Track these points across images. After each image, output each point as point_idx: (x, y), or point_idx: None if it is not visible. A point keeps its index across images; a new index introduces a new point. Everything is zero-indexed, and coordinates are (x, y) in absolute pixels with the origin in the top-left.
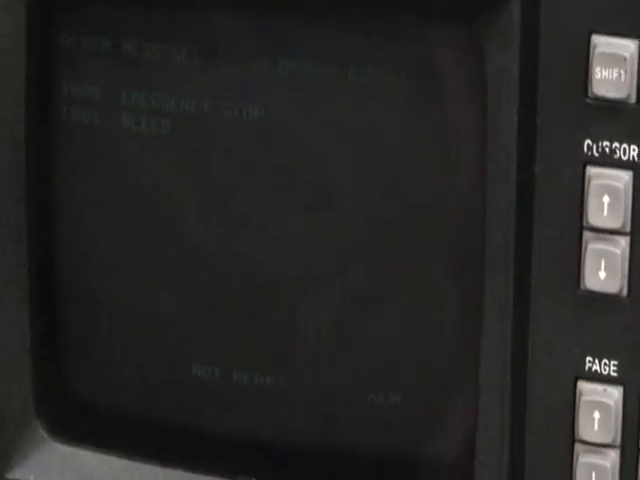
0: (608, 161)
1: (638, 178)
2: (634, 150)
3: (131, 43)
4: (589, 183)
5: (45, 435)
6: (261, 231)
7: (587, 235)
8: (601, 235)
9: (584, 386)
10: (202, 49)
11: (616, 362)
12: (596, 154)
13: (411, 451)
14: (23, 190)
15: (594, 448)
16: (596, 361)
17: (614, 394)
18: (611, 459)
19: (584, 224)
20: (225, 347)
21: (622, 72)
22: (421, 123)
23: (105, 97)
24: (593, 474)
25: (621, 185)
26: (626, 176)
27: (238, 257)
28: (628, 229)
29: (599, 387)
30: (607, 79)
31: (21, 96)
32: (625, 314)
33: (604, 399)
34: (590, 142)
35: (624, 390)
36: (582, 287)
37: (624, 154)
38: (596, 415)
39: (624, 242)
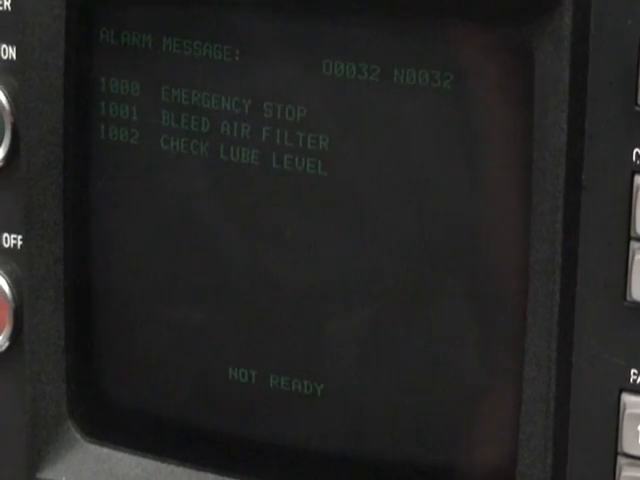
0: None
1: None
2: None
3: (172, 40)
4: (637, 192)
5: (78, 436)
6: (296, 244)
7: (634, 245)
8: None
9: (628, 398)
10: (244, 47)
11: None
12: None
13: (450, 463)
14: (60, 189)
15: (638, 462)
16: None
17: None
18: None
19: (632, 234)
20: (262, 351)
21: None
22: (464, 129)
23: (144, 93)
24: None
25: None
26: None
27: (273, 269)
28: None
29: None
30: None
31: (59, 91)
32: None
33: None
34: (639, 151)
35: None
36: (629, 298)
37: None
38: None
39: None
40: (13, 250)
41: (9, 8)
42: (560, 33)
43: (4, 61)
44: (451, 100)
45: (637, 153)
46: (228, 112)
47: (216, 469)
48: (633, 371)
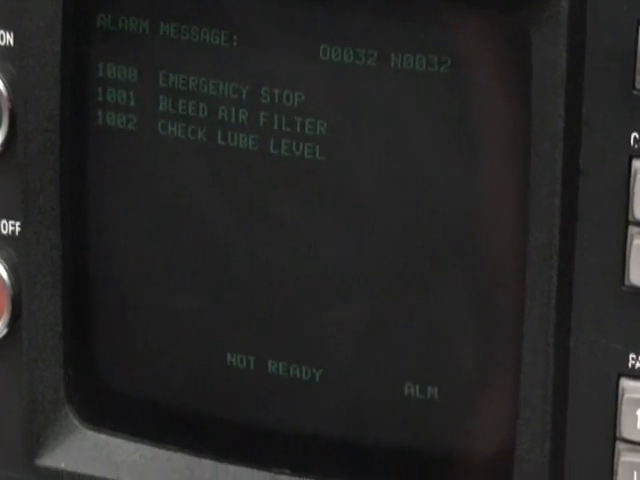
0: None
1: None
2: None
3: (169, 25)
4: (635, 177)
5: (76, 422)
6: (294, 230)
7: (632, 230)
8: None
9: (627, 383)
10: (242, 32)
11: None
12: None
13: (448, 448)
14: (57, 175)
15: (636, 447)
16: (639, 358)
17: None
18: None
19: (629, 218)
20: (260, 337)
21: None
22: (461, 114)
23: (142, 79)
24: (635, 473)
25: None
26: None
27: (271, 255)
28: None
29: None
30: None
31: (56, 77)
32: None
33: None
34: (637, 135)
35: None
36: (627, 283)
37: None
38: (639, 413)
39: None
40: (11, 236)
41: None
42: (557, 18)
43: (1, 47)
44: (448, 85)
45: (635, 137)
46: (226, 97)
47: (214, 455)
48: (631, 356)
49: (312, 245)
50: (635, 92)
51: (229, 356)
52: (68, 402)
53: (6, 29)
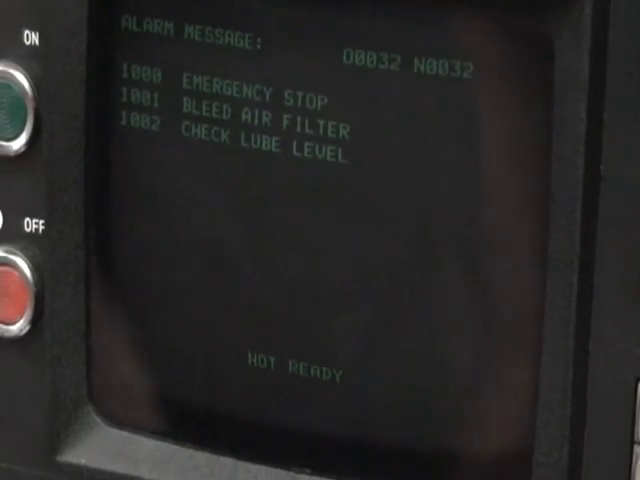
0: None
1: None
2: None
3: (194, 27)
4: None
5: (97, 419)
6: (313, 232)
7: None
8: None
9: None
10: (266, 35)
11: None
12: None
13: (466, 449)
14: (82, 174)
15: None
16: None
17: None
18: None
19: None
20: (281, 337)
21: None
22: (483, 119)
23: (166, 80)
24: None
25: None
26: None
27: (291, 260)
28: None
29: None
30: None
31: (82, 76)
32: None
33: None
34: None
35: None
36: None
37: None
38: None
39: None
40: (35, 235)
41: None
42: (580, 24)
43: (27, 47)
44: (470, 90)
45: None
46: (249, 100)
47: (234, 453)
48: None
49: (331, 248)
50: None
51: (250, 356)
52: (90, 400)
53: (32, 29)
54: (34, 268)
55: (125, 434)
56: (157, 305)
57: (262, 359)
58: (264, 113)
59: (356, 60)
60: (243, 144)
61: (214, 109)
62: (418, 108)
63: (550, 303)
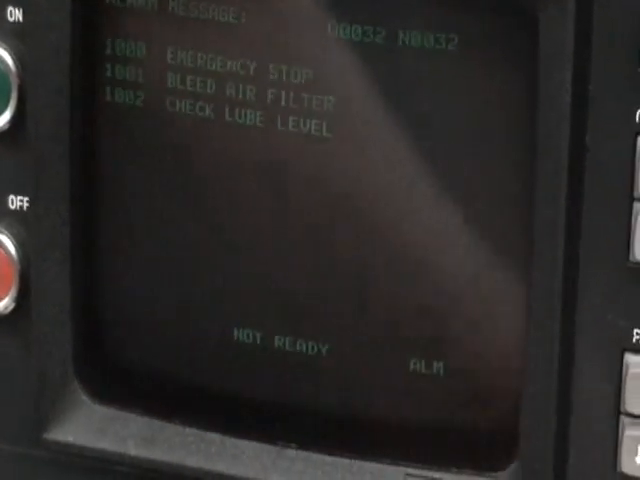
0: None
1: None
2: None
3: (178, 1)
4: None
5: (84, 397)
6: (297, 208)
7: (637, 206)
8: None
9: (631, 358)
10: (250, 9)
11: None
12: None
13: (454, 422)
14: (67, 151)
15: None
16: None
17: None
18: None
19: (634, 195)
20: (267, 312)
21: None
22: (469, 92)
23: (150, 55)
24: (639, 447)
25: None
26: None
27: (275, 231)
28: None
29: None
30: None
31: (66, 52)
32: None
33: None
34: None
35: None
36: (631, 259)
37: None
38: None
39: None
40: (19, 212)
41: None
42: None
43: (11, 23)
44: (456, 63)
45: (639, 115)
46: (233, 74)
47: (221, 429)
48: (636, 331)
49: (314, 223)
50: None
51: (236, 331)
52: (77, 377)
53: (15, 5)
54: (19, 245)
55: (112, 411)
56: (144, 283)
57: (248, 334)
58: (248, 87)
59: (341, 33)
60: (227, 118)
61: (198, 84)
62: (404, 81)
63: (536, 275)
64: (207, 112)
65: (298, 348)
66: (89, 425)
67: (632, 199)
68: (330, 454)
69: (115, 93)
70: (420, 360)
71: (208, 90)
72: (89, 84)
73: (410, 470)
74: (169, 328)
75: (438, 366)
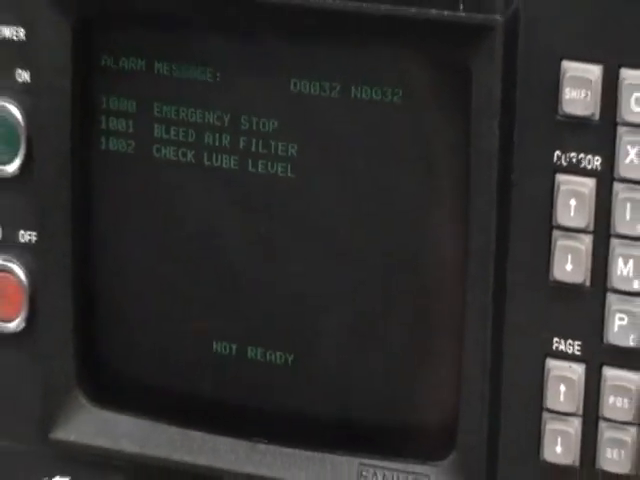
0: (575, 169)
1: (600, 184)
2: (597, 160)
3: (163, 63)
4: (559, 188)
5: (85, 402)
6: (268, 236)
7: (556, 233)
8: (568, 233)
9: (552, 363)
10: (224, 69)
11: (579, 342)
12: (564, 163)
13: (401, 423)
14: (69, 194)
15: (560, 416)
16: (562, 341)
17: (577, 370)
18: (574, 426)
19: (554, 224)
20: (241, 325)
21: (588, 93)
22: (413, 139)
23: (139, 109)
24: (559, 439)
25: (586, 190)
26: (590, 183)
27: (247, 259)
28: (591, 228)
29: (565, 364)
30: (575, 99)
31: (68, 109)
32: (588, 301)
33: (569, 374)
34: (559, 153)
35: (586, 367)
36: (551, 278)
37: (589, 164)
38: (562, 388)
39: (588, 239)
40: (28, 244)
41: (24, 38)
42: (493, 53)
43: (20, 84)
44: (401, 113)
45: (558, 155)
46: (211, 124)
47: (202, 428)
48: (555, 339)
49: (283, 251)
50: (558, 117)
51: (214, 344)
52: (78, 385)
53: (23, 68)
54: (28, 273)
55: (109, 414)
56: (135, 306)
57: (225, 346)
58: (224, 136)
59: (302, 89)
60: (206, 163)
61: (181, 133)
62: (357, 129)
63: (470, 294)
64: (189, 157)
65: (268, 358)
66: (89, 426)
67: (552, 227)
68: (296, 448)
69: (109, 142)
70: (366, 360)
71: (189, 139)
72: (87, 134)
73: (364, 460)
74: (157, 343)
75: (381, 367)
